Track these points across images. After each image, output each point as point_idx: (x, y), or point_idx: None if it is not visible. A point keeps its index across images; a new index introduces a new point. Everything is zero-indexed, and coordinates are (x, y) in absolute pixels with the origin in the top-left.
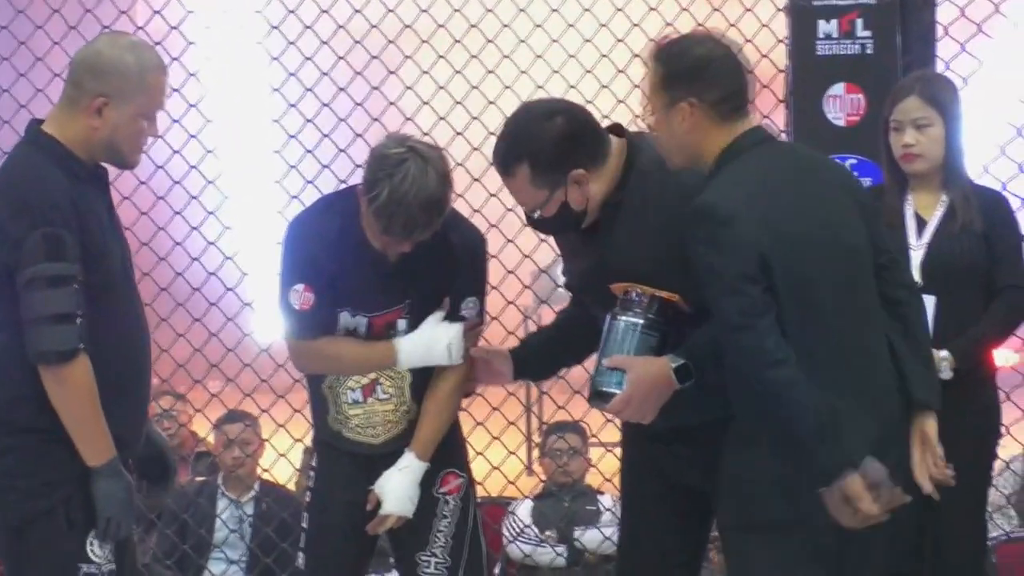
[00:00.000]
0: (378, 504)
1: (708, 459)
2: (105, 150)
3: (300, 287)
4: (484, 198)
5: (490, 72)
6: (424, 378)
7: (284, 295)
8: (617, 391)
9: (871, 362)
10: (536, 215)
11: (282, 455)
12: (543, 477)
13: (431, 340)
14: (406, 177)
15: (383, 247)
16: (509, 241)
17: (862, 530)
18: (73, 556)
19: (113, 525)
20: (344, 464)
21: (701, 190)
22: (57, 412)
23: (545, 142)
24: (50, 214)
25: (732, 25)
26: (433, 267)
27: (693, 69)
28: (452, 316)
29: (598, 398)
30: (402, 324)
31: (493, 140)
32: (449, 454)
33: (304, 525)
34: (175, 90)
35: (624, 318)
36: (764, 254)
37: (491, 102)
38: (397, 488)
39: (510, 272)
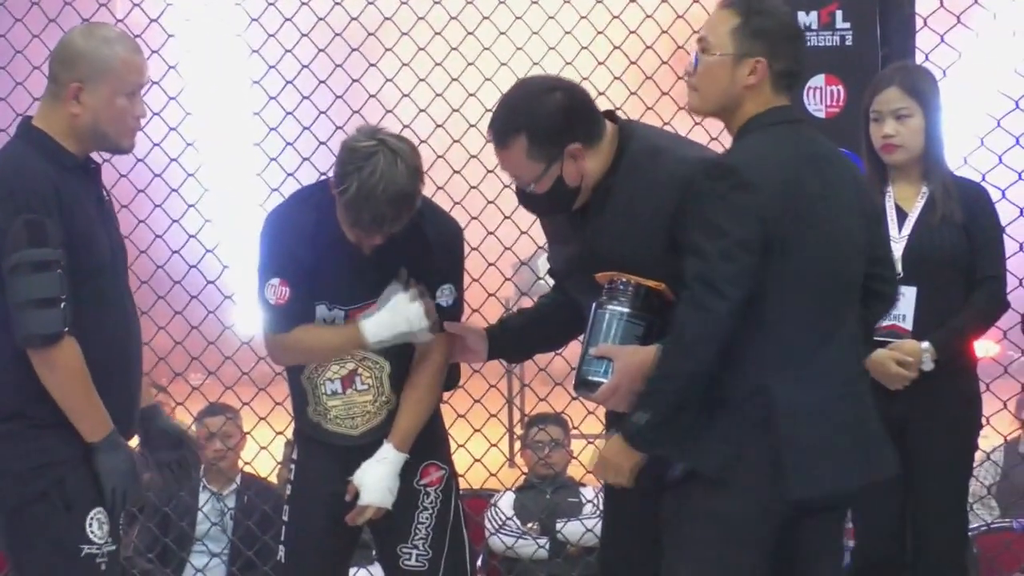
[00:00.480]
0: (357, 495)
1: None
2: (92, 136)
3: (276, 281)
4: (465, 190)
5: (470, 64)
6: (403, 369)
7: (260, 289)
8: (603, 380)
9: (843, 352)
10: (530, 189)
11: (264, 448)
12: (525, 469)
13: (392, 311)
14: (375, 171)
15: (356, 239)
16: (490, 233)
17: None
18: (73, 537)
19: (119, 495)
20: (324, 456)
21: (690, 180)
22: (51, 394)
23: (544, 115)
24: (32, 201)
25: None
26: (409, 258)
27: (778, 33)
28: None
29: (584, 387)
30: None
31: (473, 132)
32: (430, 446)
33: (285, 518)
34: (155, 83)
35: (610, 307)
36: (770, 229)
37: (471, 94)
38: (376, 479)
39: (491, 264)
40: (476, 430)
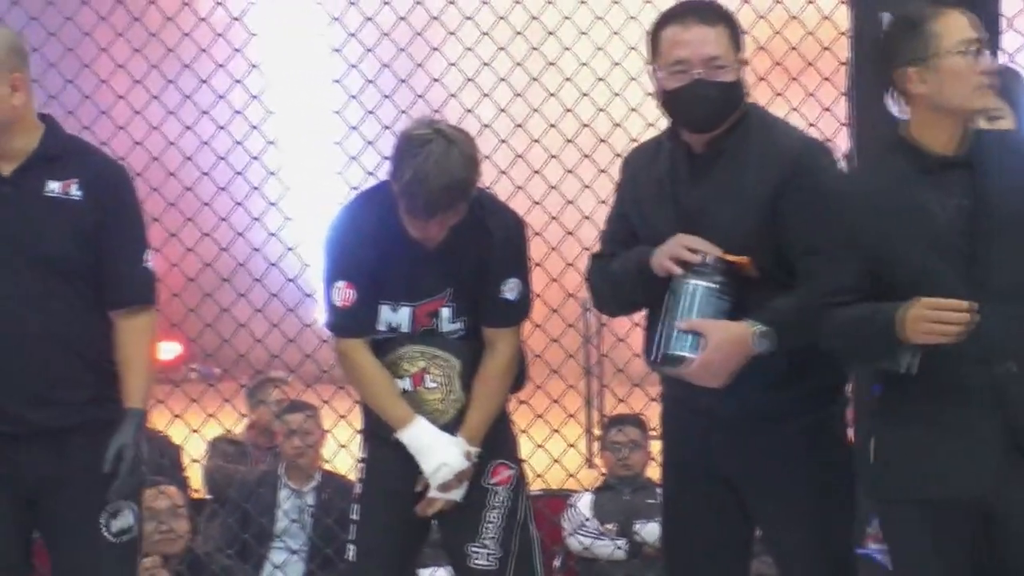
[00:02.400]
0: (427, 487)
1: (753, 450)
2: None
3: (342, 284)
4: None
5: (550, 63)
6: (473, 367)
7: (327, 292)
8: (692, 355)
9: None
10: (718, 63)
11: (343, 446)
12: (603, 470)
13: (435, 447)
14: (428, 157)
15: (416, 232)
16: (569, 233)
17: None
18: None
19: None
20: (393, 454)
21: (799, 155)
22: None
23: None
24: None
25: (794, 17)
26: (472, 254)
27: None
28: (494, 299)
29: (669, 362)
30: (445, 312)
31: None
32: (500, 445)
33: (354, 517)
34: (237, 81)
35: (695, 281)
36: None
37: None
38: (453, 468)
39: (569, 264)
40: (554, 430)
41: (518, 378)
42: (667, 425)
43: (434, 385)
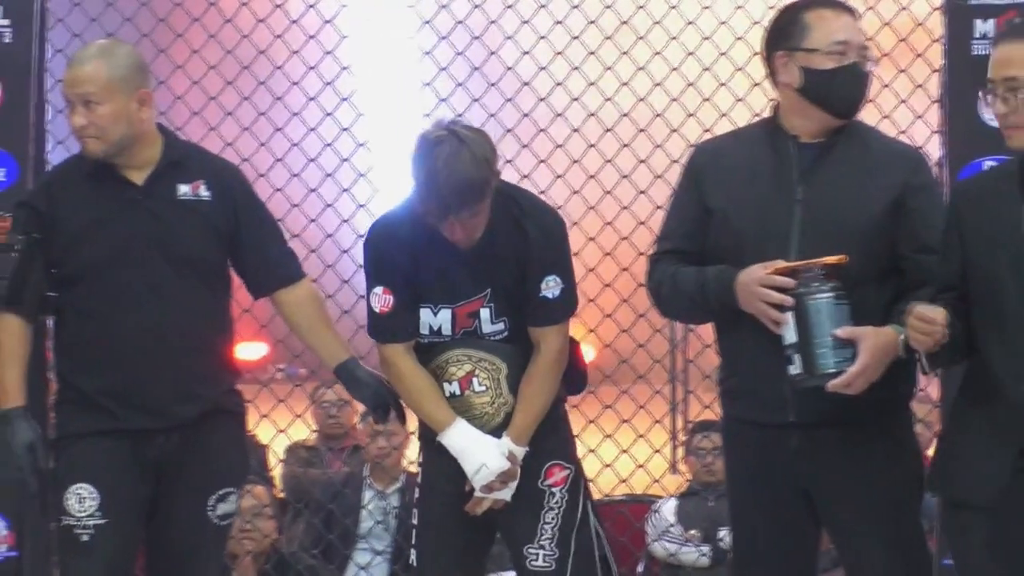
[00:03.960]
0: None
1: (828, 458)
2: None
3: (379, 290)
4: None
5: (640, 69)
6: (520, 370)
7: (368, 299)
8: (844, 368)
9: None
10: (867, 53)
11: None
12: (688, 476)
13: (474, 449)
14: (439, 158)
15: (447, 233)
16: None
17: None
18: (58, 509)
19: (13, 466)
20: (447, 457)
21: (921, 156)
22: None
23: None
24: (26, 195)
25: (886, 24)
26: (509, 253)
27: None
28: (534, 297)
29: (820, 379)
30: (485, 313)
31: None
32: (554, 447)
33: (414, 522)
34: (328, 83)
35: (819, 296)
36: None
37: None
38: (493, 469)
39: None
40: (640, 436)
41: (577, 382)
42: (733, 435)
43: (482, 388)
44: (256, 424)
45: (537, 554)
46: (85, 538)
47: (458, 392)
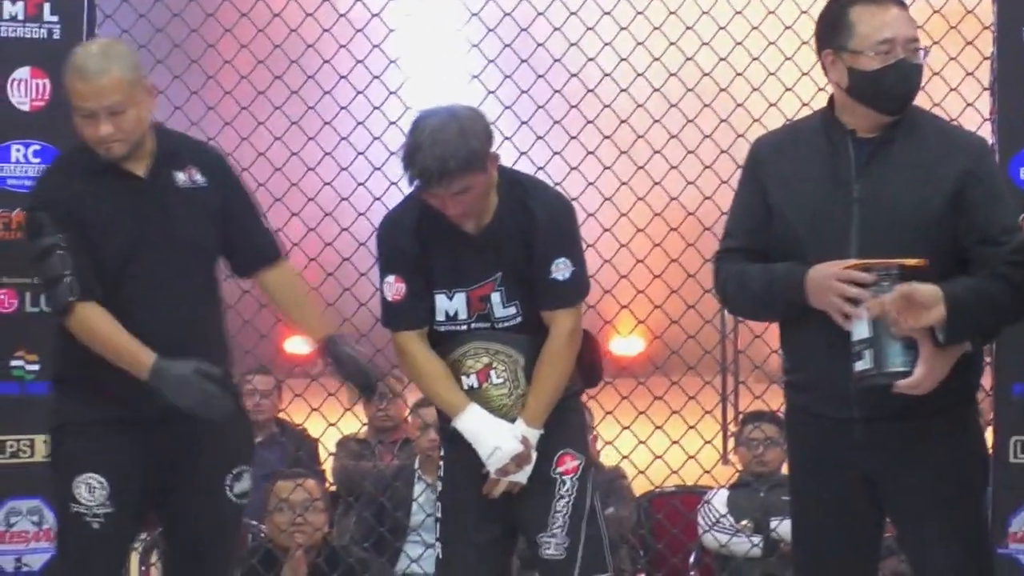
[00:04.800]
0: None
1: (893, 448)
2: None
3: (391, 279)
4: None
5: (689, 59)
6: (534, 361)
7: (380, 289)
8: (910, 368)
9: None
10: (915, 46)
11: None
12: (739, 467)
13: (488, 432)
14: (425, 129)
15: (438, 206)
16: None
17: None
18: (63, 496)
19: (199, 407)
20: (467, 450)
21: (982, 144)
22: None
23: None
24: (36, 199)
25: (936, 11)
26: (516, 237)
27: None
28: (544, 280)
29: (887, 378)
30: (496, 296)
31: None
32: (565, 435)
33: (438, 515)
34: (375, 77)
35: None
36: None
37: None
38: (507, 452)
39: (708, 261)
40: (691, 427)
41: (591, 374)
42: (796, 425)
43: (500, 381)
44: (306, 418)
45: (549, 542)
46: (95, 526)
47: (476, 385)
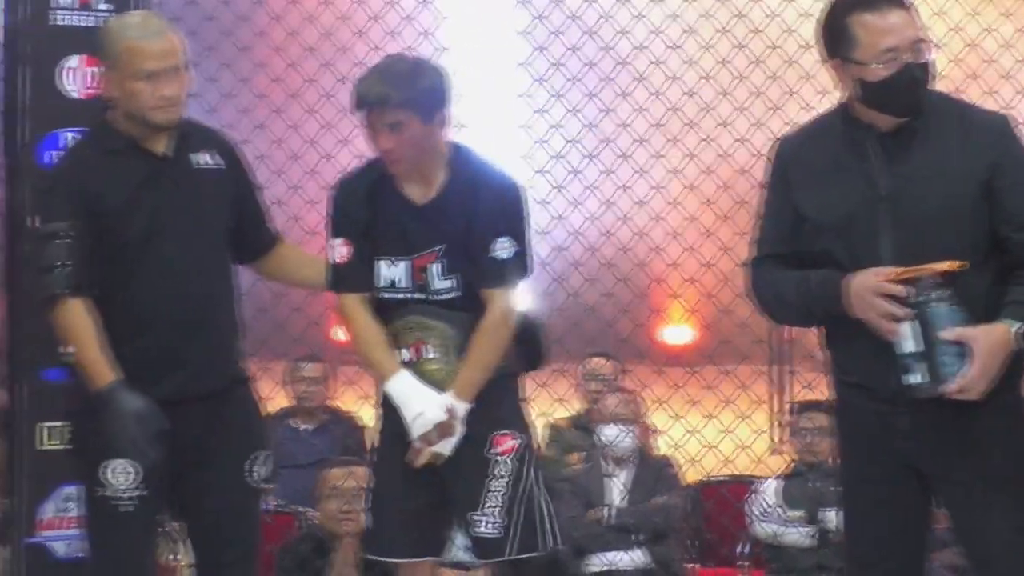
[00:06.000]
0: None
1: (944, 435)
2: (131, 116)
3: (338, 241)
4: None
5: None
6: (470, 339)
7: (328, 251)
8: (961, 371)
9: None
10: (921, 45)
11: None
12: (790, 456)
13: (415, 398)
14: (383, 62)
15: (374, 147)
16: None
17: None
18: (90, 480)
19: (123, 446)
20: (400, 423)
21: (1006, 126)
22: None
23: None
24: (51, 181)
25: None
26: (460, 211)
27: None
28: (483, 257)
29: (938, 384)
30: (435, 268)
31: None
32: (501, 416)
33: (369, 485)
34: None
35: (939, 304)
36: None
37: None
38: (429, 419)
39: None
40: (742, 417)
41: (535, 357)
42: (846, 413)
43: (433, 356)
44: (357, 406)
45: (482, 520)
46: (127, 509)
47: (410, 359)
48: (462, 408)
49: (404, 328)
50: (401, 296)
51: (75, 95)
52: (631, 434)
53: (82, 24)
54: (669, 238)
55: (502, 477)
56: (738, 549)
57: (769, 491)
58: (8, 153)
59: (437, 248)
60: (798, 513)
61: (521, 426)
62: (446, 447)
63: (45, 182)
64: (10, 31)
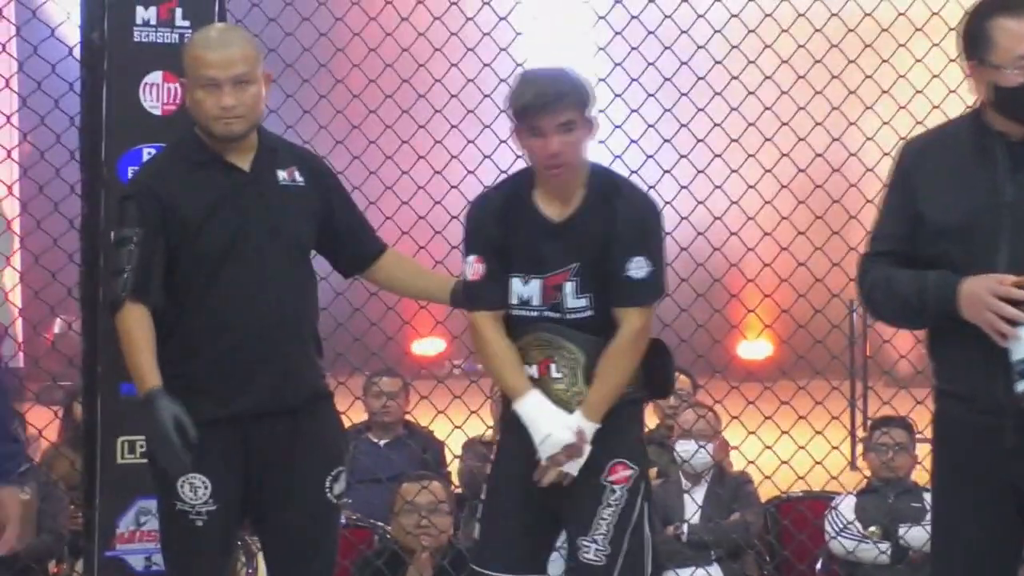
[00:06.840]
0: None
1: None
2: (202, 128)
3: (472, 259)
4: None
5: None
6: (596, 363)
7: (463, 267)
8: None
9: None
10: None
11: None
12: (867, 472)
13: (544, 419)
14: (529, 72)
15: (538, 150)
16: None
17: None
18: (167, 494)
19: (158, 452)
20: (520, 438)
21: None
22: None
23: None
24: (132, 187)
25: None
26: (597, 230)
27: None
28: (618, 276)
29: None
30: (569, 287)
31: None
32: (621, 444)
33: (483, 497)
34: (503, 80)
35: None
36: None
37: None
38: (558, 440)
39: (835, 265)
40: (818, 432)
41: (661, 386)
42: (945, 427)
43: (559, 375)
44: (432, 420)
45: (589, 547)
46: (200, 523)
47: (536, 376)
48: (591, 429)
49: (534, 344)
50: (534, 314)
51: (156, 111)
52: (707, 449)
53: (163, 41)
54: (749, 253)
55: (613, 506)
56: (815, 566)
57: (845, 507)
58: (88, 169)
59: (572, 266)
60: (874, 529)
61: (638, 457)
62: (574, 468)
63: (124, 190)
64: (87, 48)
